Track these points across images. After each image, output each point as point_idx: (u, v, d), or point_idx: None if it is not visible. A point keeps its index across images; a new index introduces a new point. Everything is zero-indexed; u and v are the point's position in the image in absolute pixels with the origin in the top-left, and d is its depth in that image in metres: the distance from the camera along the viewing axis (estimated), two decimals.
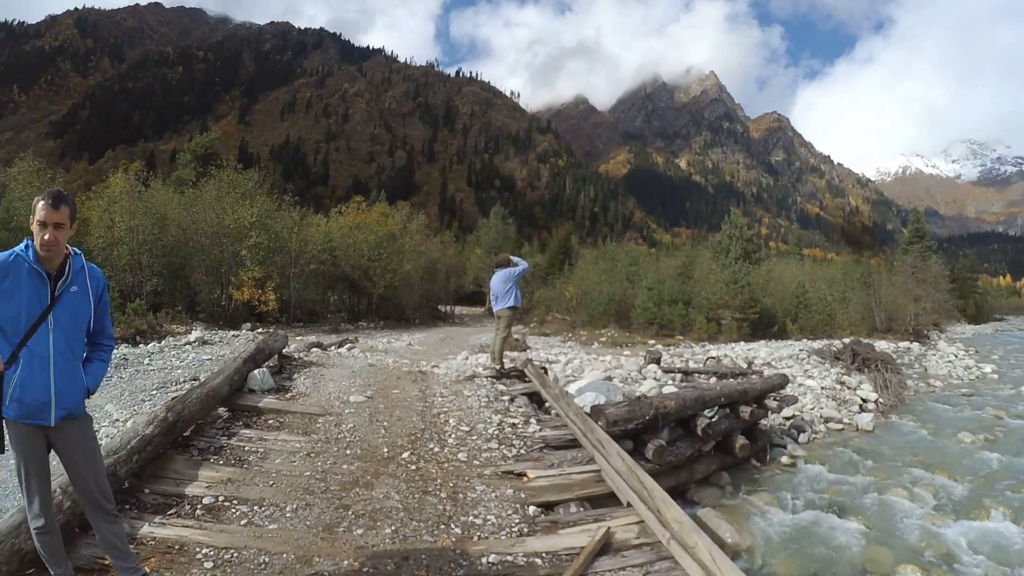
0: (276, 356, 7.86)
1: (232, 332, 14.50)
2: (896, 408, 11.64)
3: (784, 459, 8.03)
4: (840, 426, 9.89)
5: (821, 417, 10.15)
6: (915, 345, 23.98)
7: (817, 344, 19.35)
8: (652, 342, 21.47)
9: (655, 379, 10.72)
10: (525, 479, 4.48)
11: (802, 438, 9.07)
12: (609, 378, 9.99)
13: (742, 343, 21.52)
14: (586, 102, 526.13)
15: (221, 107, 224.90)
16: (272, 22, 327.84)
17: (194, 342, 11.61)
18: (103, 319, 2.74)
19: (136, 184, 19.37)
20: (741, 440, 7.50)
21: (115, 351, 10.07)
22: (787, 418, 9.71)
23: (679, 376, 11.19)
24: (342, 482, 4.24)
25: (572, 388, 7.78)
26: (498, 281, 7.86)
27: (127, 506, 3.68)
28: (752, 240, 38.68)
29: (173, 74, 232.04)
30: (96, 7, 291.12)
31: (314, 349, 10.79)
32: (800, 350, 17.13)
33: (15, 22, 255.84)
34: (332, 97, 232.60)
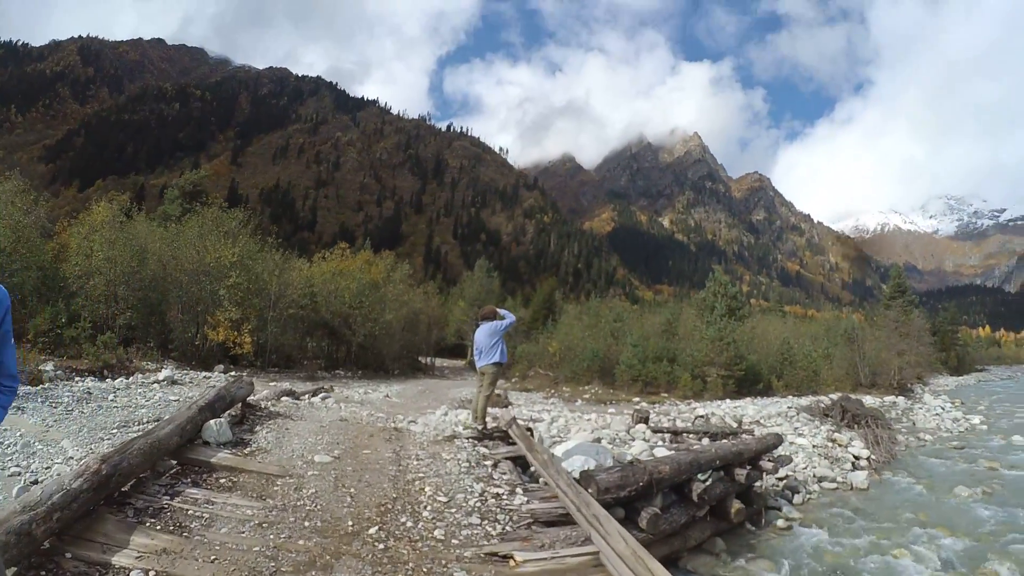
0: (239, 405, 7.27)
1: (204, 373, 13.94)
2: (888, 464, 11.32)
3: (779, 522, 7.65)
4: (834, 485, 9.52)
5: (814, 476, 9.81)
6: (900, 399, 23.87)
7: (804, 401, 19.04)
8: (637, 399, 20.95)
9: (644, 440, 10.21)
10: (512, 563, 3.89)
11: (796, 499, 8.68)
12: (598, 439, 9.48)
13: (728, 400, 21.09)
14: (573, 160, 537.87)
15: (215, 146, 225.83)
16: (271, 67, 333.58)
17: (163, 381, 11.06)
18: (2, 351, 2.17)
19: (119, 214, 18.92)
20: (736, 504, 7.13)
21: (81, 384, 9.54)
22: (780, 479, 9.31)
23: (668, 436, 10.69)
24: (296, 562, 3.63)
25: (559, 450, 7.25)
26: (483, 335, 7.26)
27: (42, 572, 3.14)
28: (736, 297, 38.63)
29: (170, 110, 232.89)
30: (100, 37, 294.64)
31: (285, 397, 10.21)
32: (788, 407, 16.76)
33: (19, 43, 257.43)
34: (324, 144, 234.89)
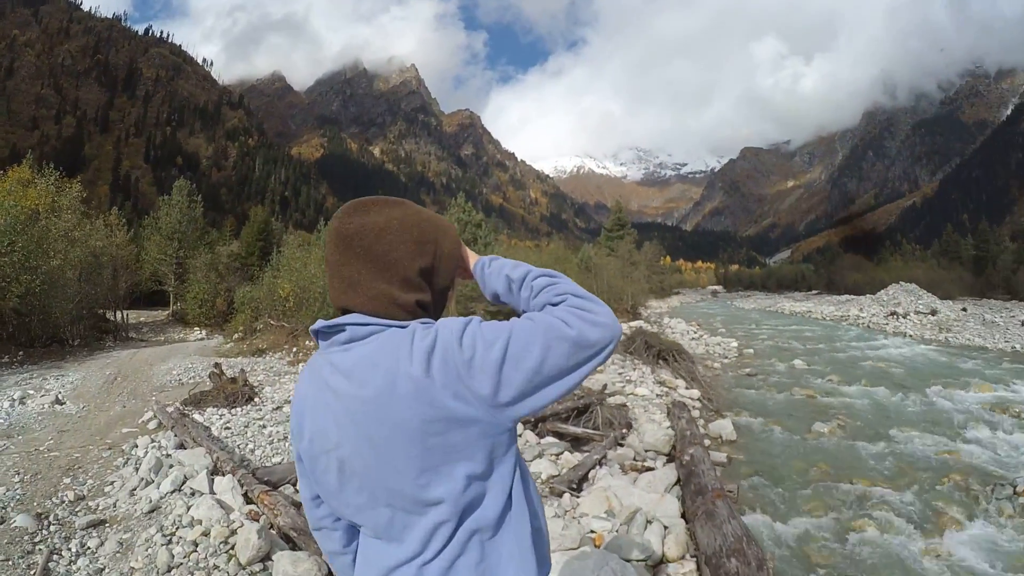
0: None
1: None
2: (714, 403, 10.32)
3: None
4: (707, 441, 8.01)
5: None
6: (641, 323, 24.91)
7: None
8: None
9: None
10: None
11: None
12: None
13: None
14: (283, 80, 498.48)
15: None
16: None
17: None
18: None
19: None
20: None
21: None
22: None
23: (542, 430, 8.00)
24: None
25: None
26: None
27: None
28: (480, 225, 37.80)
29: None
30: None
31: None
32: None
33: None
34: None
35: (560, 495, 5.02)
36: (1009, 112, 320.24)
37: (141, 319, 28.55)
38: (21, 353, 14.94)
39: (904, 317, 28.12)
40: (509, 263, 1.21)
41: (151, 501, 4.63)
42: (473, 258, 1.25)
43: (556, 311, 1.00)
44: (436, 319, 1.09)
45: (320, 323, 1.05)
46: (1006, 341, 20.00)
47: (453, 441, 0.94)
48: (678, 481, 5.37)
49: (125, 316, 24.32)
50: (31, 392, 9.45)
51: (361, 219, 1.04)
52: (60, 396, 9.03)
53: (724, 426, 8.24)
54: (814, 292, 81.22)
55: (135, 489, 5.01)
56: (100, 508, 4.68)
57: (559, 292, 1.06)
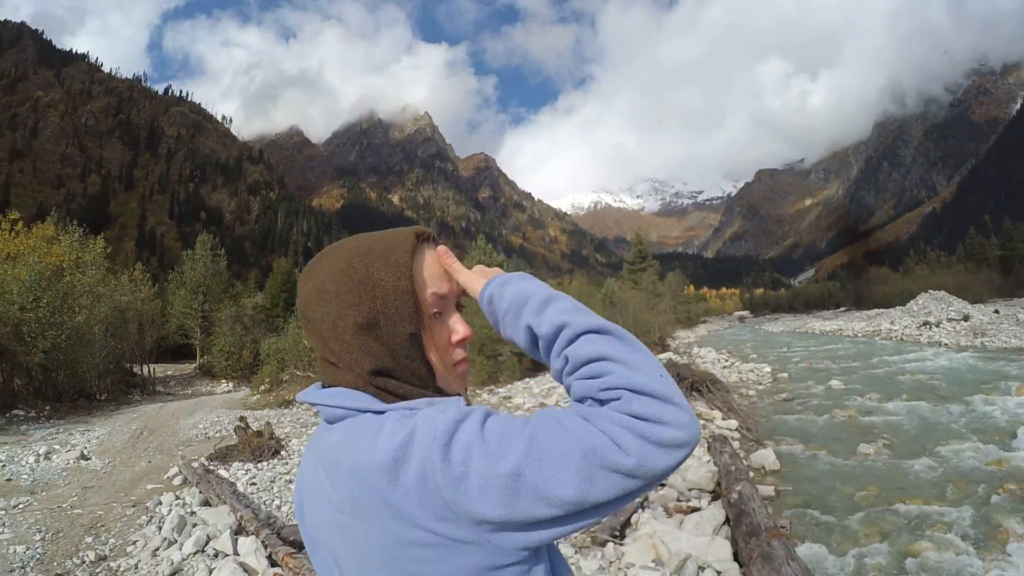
0: None
1: None
2: (754, 432, 9.96)
3: None
4: (751, 474, 7.67)
5: None
6: (673, 355, 24.46)
7: None
8: None
9: None
10: None
11: None
12: None
13: (528, 380, 19.24)
14: (301, 133, 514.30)
15: None
16: None
17: None
18: None
19: None
20: None
21: None
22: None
23: None
24: None
25: None
26: None
27: None
28: (502, 266, 37.95)
29: None
30: None
31: None
32: None
33: None
34: (22, 106, 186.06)
35: (603, 544, 4.72)
36: (1019, 106, 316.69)
37: (168, 372, 28.80)
38: (48, 408, 15.05)
39: (937, 326, 27.48)
40: (534, 298, 0.76)
41: (173, 563, 4.45)
42: (478, 278, 0.83)
43: (603, 419, 0.64)
44: (432, 387, 0.79)
45: (300, 395, 0.82)
46: None
47: (442, 572, 0.64)
48: (727, 521, 5.06)
49: (152, 370, 24.52)
50: (57, 447, 9.42)
51: (304, 285, 0.81)
52: (86, 451, 8.97)
53: (767, 456, 7.94)
54: (842, 309, 79.79)
55: (157, 550, 4.85)
56: (121, 570, 4.54)
57: (611, 384, 0.66)
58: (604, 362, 0.68)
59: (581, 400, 0.69)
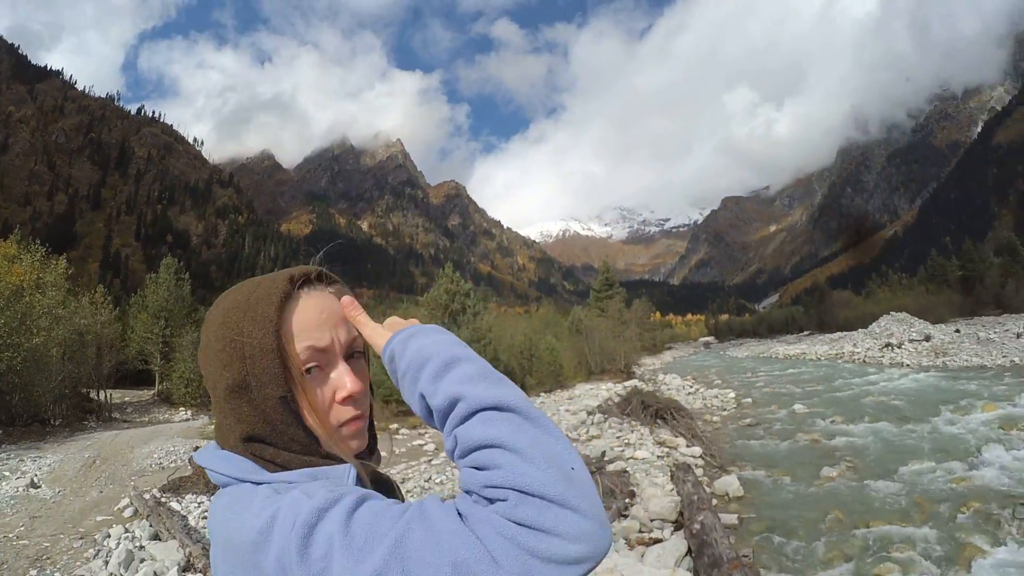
0: None
1: None
2: (717, 458, 9.99)
3: None
4: (714, 502, 7.65)
5: None
6: (638, 382, 24.62)
7: (588, 400, 17.88)
8: (394, 425, 17.62)
9: None
10: None
11: None
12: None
13: None
14: (272, 158, 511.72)
15: None
16: None
17: None
18: None
19: None
20: None
21: None
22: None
23: None
24: None
25: None
26: None
27: None
28: (469, 294, 37.74)
29: None
30: None
31: None
32: (578, 409, 15.25)
33: None
34: None
35: None
36: (979, 129, 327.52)
37: (126, 399, 27.81)
38: (0, 431, 14.46)
39: (899, 347, 28.07)
40: (434, 359, 0.64)
41: None
42: (384, 332, 0.73)
43: (483, 524, 0.53)
44: (317, 453, 0.70)
45: (196, 454, 0.75)
46: (1004, 356, 19.92)
47: None
48: (689, 552, 5.00)
49: (109, 396, 23.62)
50: (6, 474, 9.05)
51: (201, 337, 0.75)
52: (36, 479, 8.62)
53: (730, 483, 7.94)
54: (806, 333, 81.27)
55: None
56: None
57: (497, 482, 0.55)
58: (494, 450, 0.56)
59: (469, 492, 0.58)
